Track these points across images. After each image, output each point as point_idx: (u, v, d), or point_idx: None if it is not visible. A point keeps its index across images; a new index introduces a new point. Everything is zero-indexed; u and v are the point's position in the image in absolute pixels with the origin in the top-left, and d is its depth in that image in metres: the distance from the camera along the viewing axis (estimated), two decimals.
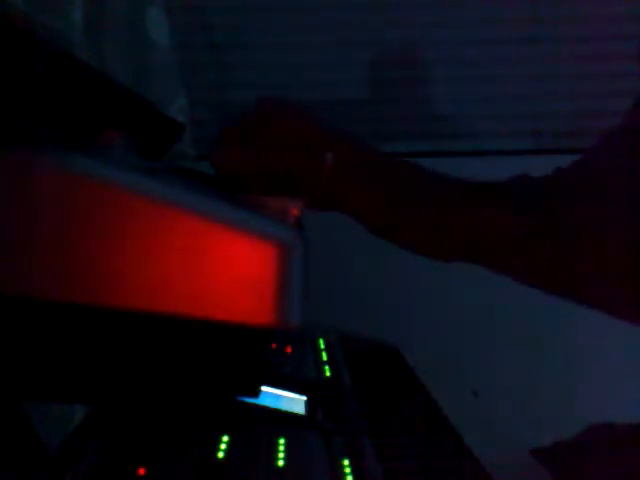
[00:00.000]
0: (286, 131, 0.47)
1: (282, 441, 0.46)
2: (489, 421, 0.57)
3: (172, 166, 0.47)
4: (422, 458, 0.47)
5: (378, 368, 0.70)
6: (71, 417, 0.72)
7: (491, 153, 1.26)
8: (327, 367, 0.65)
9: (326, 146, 0.46)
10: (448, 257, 0.51)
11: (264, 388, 0.53)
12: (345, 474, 0.42)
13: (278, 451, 0.45)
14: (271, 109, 0.49)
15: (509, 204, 0.49)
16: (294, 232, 0.30)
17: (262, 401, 0.52)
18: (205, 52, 1.29)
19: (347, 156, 0.47)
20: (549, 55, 1.28)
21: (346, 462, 0.44)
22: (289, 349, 0.68)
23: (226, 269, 0.28)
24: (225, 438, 0.45)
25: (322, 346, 0.72)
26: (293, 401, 0.54)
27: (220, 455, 0.43)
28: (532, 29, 1.28)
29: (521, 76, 1.29)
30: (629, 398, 0.91)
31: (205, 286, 0.28)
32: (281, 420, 0.50)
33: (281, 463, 0.43)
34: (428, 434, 0.52)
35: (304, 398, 0.55)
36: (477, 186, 0.51)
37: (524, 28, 1.28)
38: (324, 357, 0.68)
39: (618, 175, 0.49)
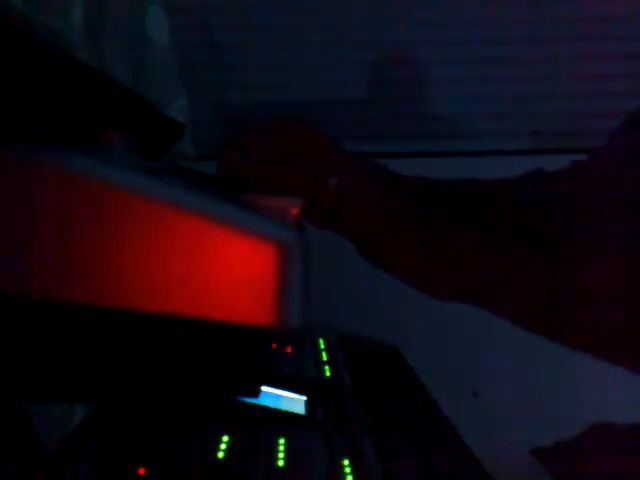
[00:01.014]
0: (299, 148, 0.48)
1: (282, 441, 0.46)
2: (489, 421, 0.57)
3: (172, 166, 0.47)
4: (422, 458, 0.47)
5: (378, 368, 0.70)
6: (71, 417, 0.72)
7: (491, 153, 1.26)
8: (327, 367, 0.65)
9: (333, 169, 0.47)
10: (443, 294, 0.49)
11: (264, 388, 0.53)
12: (345, 474, 0.42)
13: (278, 451, 0.45)
14: (290, 124, 0.49)
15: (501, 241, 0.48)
16: (294, 232, 0.30)
17: (262, 401, 0.52)
18: (205, 52, 1.29)
19: (356, 179, 0.47)
20: (549, 55, 1.28)
21: (346, 462, 0.44)
22: (289, 349, 0.68)
23: (226, 269, 0.28)
24: (225, 438, 0.45)
25: (322, 346, 0.72)
26: (293, 401, 0.54)
27: (220, 455, 0.43)
28: (532, 29, 1.28)
29: (521, 76, 1.29)
30: (629, 398, 0.91)
31: (205, 286, 0.28)
32: (281, 420, 0.50)
33: (281, 463, 0.43)
34: (428, 434, 0.52)
35: (304, 398, 0.55)
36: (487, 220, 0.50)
37: (524, 28, 1.28)
38: (324, 357, 0.68)
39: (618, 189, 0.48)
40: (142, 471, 0.40)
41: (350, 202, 0.46)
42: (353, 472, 0.43)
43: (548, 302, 0.47)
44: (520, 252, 0.47)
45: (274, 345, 0.67)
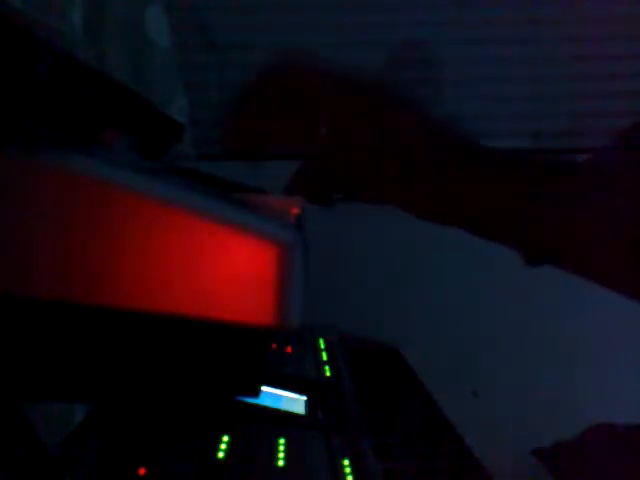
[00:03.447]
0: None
1: (282, 441, 0.46)
2: (489, 421, 0.57)
3: (172, 166, 0.47)
4: (422, 458, 0.47)
5: (378, 368, 0.70)
6: (71, 417, 0.72)
7: None
8: (327, 367, 0.65)
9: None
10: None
11: (264, 388, 0.53)
12: (345, 474, 0.42)
13: (278, 451, 0.45)
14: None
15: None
16: (294, 232, 0.30)
17: (262, 401, 0.52)
18: (205, 52, 1.29)
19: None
20: (549, 55, 1.28)
21: (346, 462, 0.44)
22: (289, 349, 0.68)
23: (226, 269, 0.28)
24: (225, 438, 0.45)
25: (322, 346, 0.72)
26: (293, 401, 0.54)
27: (220, 455, 0.43)
28: (532, 29, 1.28)
29: (521, 76, 1.29)
30: (629, 398, 0.91)
31: (205, 286, 0.28)
32: (281, 420, 0.50)
33: (281, 463, 0.43)
34: (428, 434, 0.52)
35: (304, 398, 0.55)
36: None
37: (524, 28, 1.28)
38: (324, 357, 0.68)
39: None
40: (142, 471, 0.40)
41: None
42: (353, 472, 0.43)
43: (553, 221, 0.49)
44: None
45: (274, 345, 0.67)
